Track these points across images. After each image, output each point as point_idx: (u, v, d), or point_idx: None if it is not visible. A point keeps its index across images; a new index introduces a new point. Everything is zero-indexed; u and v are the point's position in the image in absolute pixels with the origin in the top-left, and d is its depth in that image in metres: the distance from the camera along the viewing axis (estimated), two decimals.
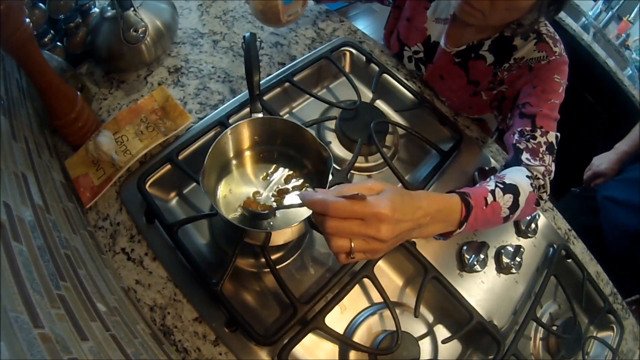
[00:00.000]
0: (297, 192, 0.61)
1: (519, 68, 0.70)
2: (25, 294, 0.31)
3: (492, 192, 0.55)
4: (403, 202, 0.42)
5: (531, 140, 0.64)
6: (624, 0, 1.79)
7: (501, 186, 0.56)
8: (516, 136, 0.66)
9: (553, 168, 0.64)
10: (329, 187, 0.55)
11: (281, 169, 0.64)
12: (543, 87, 0.67)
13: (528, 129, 0.65)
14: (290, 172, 0.63)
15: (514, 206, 0.56)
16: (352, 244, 0.40)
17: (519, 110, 0.68)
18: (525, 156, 0.63)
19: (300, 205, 0.43)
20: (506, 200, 0.55)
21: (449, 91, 0.85)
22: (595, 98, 1.62)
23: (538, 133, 0.64)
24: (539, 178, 0.62)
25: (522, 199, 0.57)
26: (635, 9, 1.78)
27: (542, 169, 0.62)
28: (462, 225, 0.51)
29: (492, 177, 0.60)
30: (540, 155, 0.63)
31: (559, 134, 0.66)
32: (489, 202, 0.54)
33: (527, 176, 0.60)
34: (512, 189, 0.56)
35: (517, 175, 0.59)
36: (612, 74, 1.52)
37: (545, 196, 0.63)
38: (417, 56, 0.87)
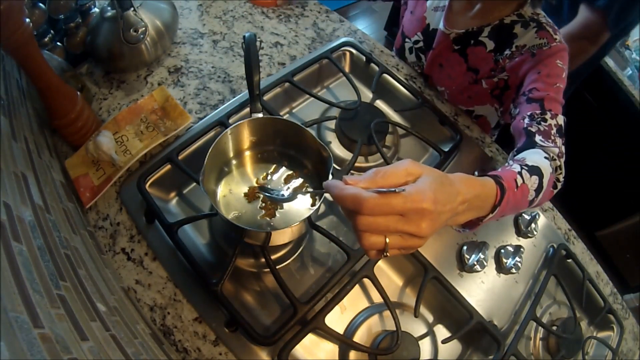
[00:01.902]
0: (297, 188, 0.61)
1: (521, 55, 0.71)
2: (25, 294, 0.31)
3: (520, 173, 0.53)
4: (444, 190, 0.37)
5: (542, 123, 0.64)
6: None
7: (526, 168, 0.54)
8: (527, 120, 0.66)
9: (564, 151, 0.64)
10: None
11: (281, 169, 0.64)
12: (548, 71, 0.67)
13: (538, 112, 0.65)
14: (290, 172, 0.63)
15: (539, 188, 0.55)
16: (387, 240, 0.36)
17: (525, 96, 0.68)
18: (538, 138, 0.63)
19: (321, 193, 0.39)
20: (533, 182, 0.54)
21: (448, 79, 0.84)
22: (595, 98, 1.62)
23: (548, 115, 0.64)
24: (554, 159, 0.62)
25: (545, 180, 0.56)
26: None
27: (556, 150, 0.62)
28: (494, 210, 0.48)
29: (511, 161, 0.59)
30: (552, 138, 0.63)
31: (565, 118, 0.66)
32: (518, 184, 0.51)
33: (545, 157, 0.59)
34: (536, 171, 0.55)
35: (536, 157, 0.58)
36: (612, 74, 1.52)
37: (561, 178, 0.62)
38: (417, 46, 0.88)
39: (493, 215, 0.48)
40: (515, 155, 0.62)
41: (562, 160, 0.63)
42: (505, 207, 0.49)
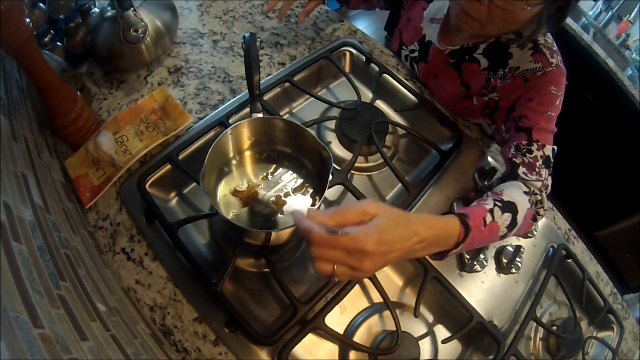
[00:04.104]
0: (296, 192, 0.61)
1: (514, 78, 0.69)
2: (25, 294, 0.31)
3: (491, 210, 0.54)
4: (396, 231, 0.42)
5: (527, 155, 0.63)
6: (624, 0, 1.79)
7: (499, 204, 0.55)
8: (512, 150, 0.65)
9: (550, 182, 0.64)
10: (329, 187, 0.55)
11: (281, 169, 0.64)
12: (539, 100, 0.65)
13: (524, 142, 0.64)
14: (290, 172, 0.63)
15: (512, 224, 0.56)
16: (335, 268, 0.41)
17: (515, 124, 0.66)
18: (521, 170, 0.63)
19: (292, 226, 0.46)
20: (505, 219, 0.54)
21: (442, 90, 0.84)
22: (595, 98, 1.62)
23: (534, 147, 0.63)
24: (536, 193, 0.62)
25: (520, 217, 0.56)
26: (635, 9, 1.78)
27: (539, 184, 0.62)
28: (458, 246, 0.50)
29: (490, 193, 0.59)
30: (537, 170, 0.62)
31: (555, 147, 0.65)
32: (487, 222, 0.53)
33: (525, 192, 0.59)
34: (510, 207, 0.55)
35: (514, 192, 0.58)
36: (612, 74, 1.52)
37: (542, 211, 0.62)
38: (412, 55, 0.87)
39: (457, 250, 0.51)
40: (499, 183, 0.64)
41: (545, 193, 0.63)
42: (471, 244, 0.52)
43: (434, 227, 0.46)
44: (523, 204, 0.57)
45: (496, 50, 0.71)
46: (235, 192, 0.60)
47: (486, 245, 0.58)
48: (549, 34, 0.68)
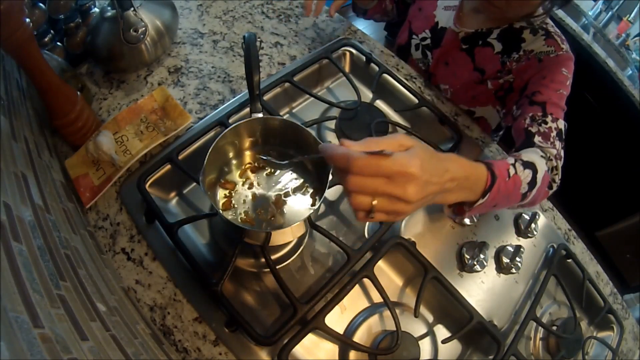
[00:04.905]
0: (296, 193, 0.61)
1: (528, 60, 0.72)
2: (25, 294, 0.31)
3: (513, 165, 0.54)
4: (432, 162, 0.39)
5: (543, 125, 0.65)
6: (624, 0, 1.79)
7: (520, 161, 0.55)
8: (527, 120, 0.66)
9: (562, 155, 0.64)
10: (329, 187, 0.55)
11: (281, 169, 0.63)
12: (552, 77, 0.69)
13: (539, 114, 0.66)
14: (290, 172, 0.63)
15: (533, 182, 0.55)
16: (374, 202, 0.37)
17: (528, 99, 0.69)
18: (537, 139, 0.64)
19: (318, 158, 0.40)
20: (526, 175, 0.54)
21: (453, 77, 0.85)
22: (595, 98, 1.62)
23: (549, 119, 0.65)
24: (551, 159, 0.62)
25: (539, 177, 0.56)
26: (635, 9, 1.78)
27: (554, 151, 0.63)
28: (485, 195, 0.48)
29: (508, 156, 0.59)
30: (552, 140, 0.64)
31: (566, 124, 0.66)
32: (510, 174, 0.52)
33: (542, 156, 0.60)
34: (530, 166, 0.55)
35: (532, 155, 0.59)
36: (612, 74, 1.52)
37: (557, 179, 0.62)
38: (424, 43, 0.89)
39: (484, 201, 0.48)
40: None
41: (560, 162, 0.63)
42: (497, 195, 0.49)
43: (464, 167, 0.44)
44: (541, 165, 0.57)
45: (510, 35, 0.75)
46: (222, 183, 0.60)
47: (508, 206, 0.57)
48: (555, 26, 0.74)
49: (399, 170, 0.36)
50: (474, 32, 0.78)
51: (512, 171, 0.52)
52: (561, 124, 0.65)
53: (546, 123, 0.65)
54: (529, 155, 0.58)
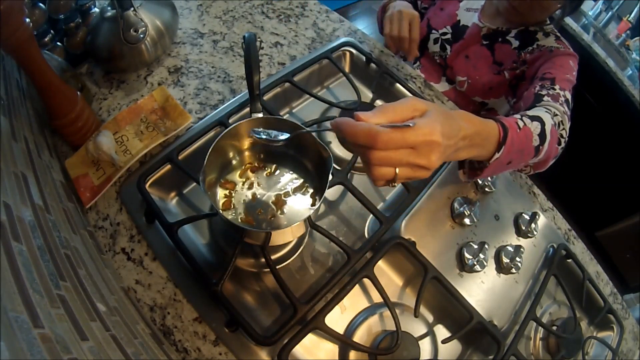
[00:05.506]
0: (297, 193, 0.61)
1: (540, 51, 0.80)
2: (25, 294, 0.31)
3: (521, 119, 0.54)
4: (448, 124, 0.39)
5: (552, 90, 0.68)
6: (624, 0, 1.79)
7: (527, 116, 0.56)
8: (537, 87, 0.70)
9: (569, 117, 0.65)
10: (329, 187, 0.55)
11: (281, 169, 0.63)
12: (562, 63, 0.75)
13: (548, 84, 0.70)
14: (290, 172, 0.63)
15: (542, 135, 0.55)
16: (397, 171, 0.37)
17: (539, 78, 0.74)
18: (546, 98, 0.66)
19: (323, 131, 0.39)
20: (535, 126, 0.54)
21: (472, 69, 0.90)
22: (595, 98, 1.62)
23: (557, 87, 0.69)
24: (557, 115, 0.62)
25: (547, 130, 0.56)
26: (635, 9, 1.78)
27: (561, 108, 0.64)
28: (500, 148, 0.48)
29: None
30: (560, 102, 0.65)
31: (571, 102, 0.69)
32: (520, 126, 0.52)
33: (547, 112, 0.60)
34: (537, 119, 0.56)
35: (538, 111, 0.60)
36: (612, 74, 1.52)
37: (565, 135, 0.63)
38: (444, 37, 0.94)
39: (499, 156, 0.48)
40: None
41: (566, 120, 0.64)
42: (511, 148, 0.49)
43: (473, 123, 0.44)
44: (548, 119, 0.58)
45: (525, 35, 0.84)
46: (222, 183, 0.60)
47: (523, 163, 0.56)
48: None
49: (424, 140, 0.36)
50: (495, 30, 0.86)
51: (521, 123, 0.53)
52: (568, 95, 0.69)
53: (554, 90, 0.68)
54: (533, 111, 0.60)
